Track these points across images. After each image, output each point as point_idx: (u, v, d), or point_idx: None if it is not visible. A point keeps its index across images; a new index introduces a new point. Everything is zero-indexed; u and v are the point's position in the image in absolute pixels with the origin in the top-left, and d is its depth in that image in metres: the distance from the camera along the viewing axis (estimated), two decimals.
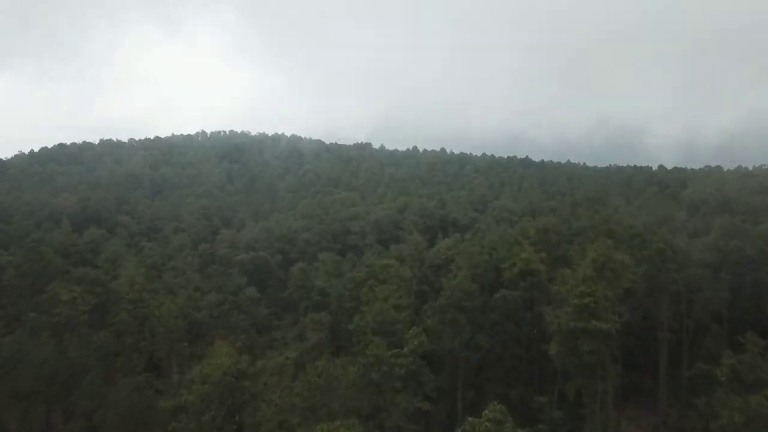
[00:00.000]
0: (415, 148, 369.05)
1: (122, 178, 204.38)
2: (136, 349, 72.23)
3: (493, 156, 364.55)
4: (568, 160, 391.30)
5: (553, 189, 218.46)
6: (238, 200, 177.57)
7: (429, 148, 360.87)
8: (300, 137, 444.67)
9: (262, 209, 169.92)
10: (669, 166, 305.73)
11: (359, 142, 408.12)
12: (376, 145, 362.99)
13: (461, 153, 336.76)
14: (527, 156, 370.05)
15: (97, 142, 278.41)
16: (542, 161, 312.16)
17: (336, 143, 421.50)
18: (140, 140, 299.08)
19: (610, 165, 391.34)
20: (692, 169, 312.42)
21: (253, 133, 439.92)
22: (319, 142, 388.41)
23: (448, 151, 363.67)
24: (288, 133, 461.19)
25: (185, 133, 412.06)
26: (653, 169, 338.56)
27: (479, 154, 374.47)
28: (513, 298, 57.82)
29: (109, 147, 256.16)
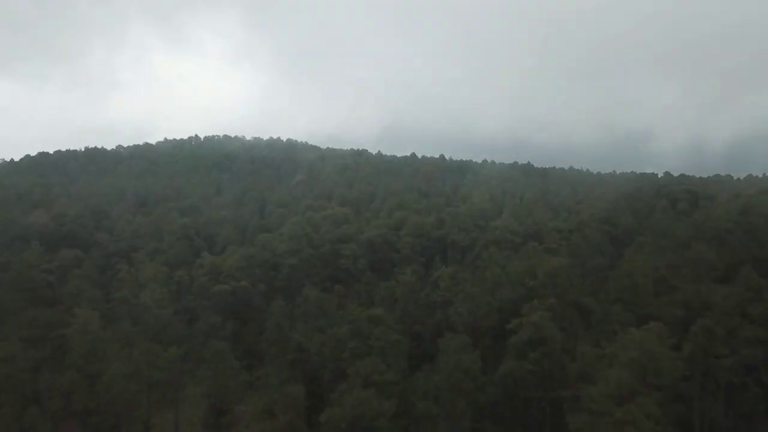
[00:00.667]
0: (413, 155, 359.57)
1: (105, 189, 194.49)
2: (86, 416, 62.69)
3: (494, 162, 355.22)
4: (571, 167, 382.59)
5: (556, 201, 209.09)
6: (225, 216, 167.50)
7: (429, 154, 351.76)
8: (296, 142, 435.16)
9: (250, 225, 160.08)
10: (675, 172, 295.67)
11: (356, 148, 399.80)
12: (375, 149, 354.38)
13: (461, 160, 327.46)
14: (529, 162, 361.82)
15: (85, 148, 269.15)
16: (545, 169, 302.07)
17: (332, 149, 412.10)
18: (129, 147, 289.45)
19: (614, 171, 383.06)
20: (700, 178, 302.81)
21: (248, 137, 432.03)
22: (315, 148, 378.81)
23: (447, 157, 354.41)
24: (285, 137, 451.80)
25: (178, 138, 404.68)
26: (659, 176, 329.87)
27: (480, 161, 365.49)
28: (522, 375, 47.89)
29: (94, 156, 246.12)
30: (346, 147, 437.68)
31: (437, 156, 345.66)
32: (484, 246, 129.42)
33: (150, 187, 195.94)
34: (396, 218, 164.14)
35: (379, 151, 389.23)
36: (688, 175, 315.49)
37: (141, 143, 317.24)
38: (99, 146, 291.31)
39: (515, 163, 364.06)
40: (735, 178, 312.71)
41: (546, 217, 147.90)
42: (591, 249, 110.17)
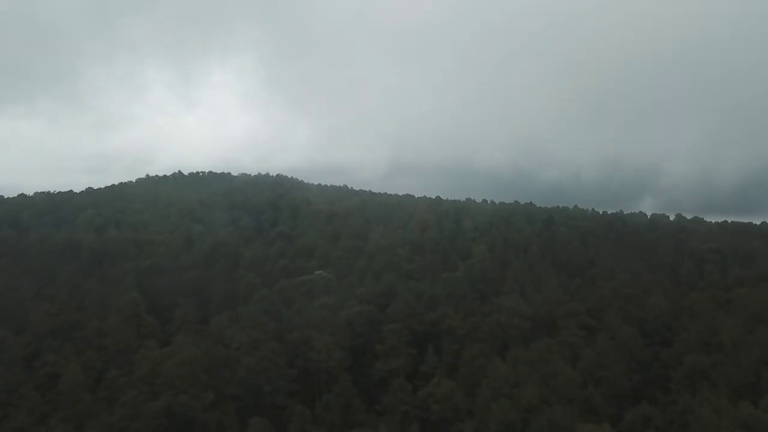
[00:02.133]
0: (408, 195, 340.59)
1: (58, 246, 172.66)
2: None
3: (493, 203, 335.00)
4: (576, 205, 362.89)
5: (564, 255, 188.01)
6: (187, 283, 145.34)
7: (432, 184, 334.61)
8: (285, 177, 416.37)
9: (214, 297, 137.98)
10: (684, 203, 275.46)
11: (349, 185, 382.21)
12: (376, 181, 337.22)
13: (459, 200, 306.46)
14: (531, 202, 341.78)
15: (50, 191, 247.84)
16: (548, 210, 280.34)
17: (324, 185, 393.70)
18: (99, 189, 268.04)
19: (621, 211, 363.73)
20: (716, 224, 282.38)
21: (235, 173, 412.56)
22: (305, 186, 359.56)
23: (448, 188, 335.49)
24: (280, 171, 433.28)
25: (161, 174, 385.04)
26: (671, 219, 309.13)
27: (484, 192, 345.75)
28: None
29: (51, 202, 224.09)
30: (342, 183, 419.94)
31: (433, 197, 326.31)
32: (487, 335, 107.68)
33: (107, 244, 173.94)
34: (385, 283, 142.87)
35: (370, 190, 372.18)
36: (702, 220, 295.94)
37: (116, 183, 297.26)
38: (65, 189, 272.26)
39: (516, 203, 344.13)
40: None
41: (556, 291, 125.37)
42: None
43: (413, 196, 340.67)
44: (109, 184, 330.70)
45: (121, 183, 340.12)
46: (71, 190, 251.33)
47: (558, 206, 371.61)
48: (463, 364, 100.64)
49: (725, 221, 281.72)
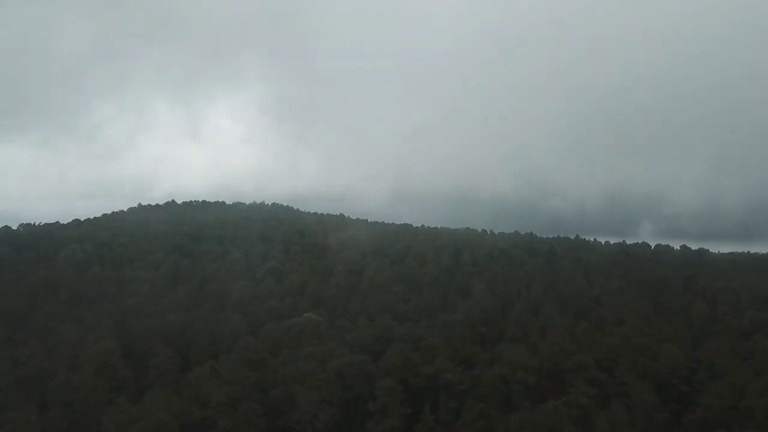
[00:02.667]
0: (407, 225, 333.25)
1: (36, 285, 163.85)
2: None
3: (493, 233, 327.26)
4: (577, 236, 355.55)
5: (568, 292, 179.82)
6: (169, 325, 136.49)
7: (430, 221, 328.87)
8: (281, 206, 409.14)
9: (197, 342, 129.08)
10: (690, 230, 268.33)
11: (346, 214, 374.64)
12: (379, 207, 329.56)
13: (458, 229, 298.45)
14: (532, 232, 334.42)
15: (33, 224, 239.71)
16: (550, 241, 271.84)
17: (318, 213, 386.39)
18: (88, 220, 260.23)
19: (624, 241, 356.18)
20: (722, 255, 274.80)
21: (230, 202, 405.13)
22: (297, 216, 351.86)
23: (446, 225, 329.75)
24: (282, 200, 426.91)
25: (153, 204, 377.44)
26: (675, 249, 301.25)
27: (485, 222, 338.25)
28: None
29: (34, 235, 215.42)
30: (344, 208, 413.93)
31: (434, 225, 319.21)
32: (488, 391, 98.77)
33: (89, 281, 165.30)
34: (379, 327, 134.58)
35: (367, 219, 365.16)
36: (707, 252, 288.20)
37: (100, 215, 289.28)
38: (67, 214, 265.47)
39: (516, 233, 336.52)
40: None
41: (563, 337, 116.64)
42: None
43: (411, 225, 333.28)
44: (109, 210, 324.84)
45: (113, 212, 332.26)
46: (57, 222, 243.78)
47: (559, 236, 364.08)
48: (462, 426, 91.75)
49: (732, 252, 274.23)
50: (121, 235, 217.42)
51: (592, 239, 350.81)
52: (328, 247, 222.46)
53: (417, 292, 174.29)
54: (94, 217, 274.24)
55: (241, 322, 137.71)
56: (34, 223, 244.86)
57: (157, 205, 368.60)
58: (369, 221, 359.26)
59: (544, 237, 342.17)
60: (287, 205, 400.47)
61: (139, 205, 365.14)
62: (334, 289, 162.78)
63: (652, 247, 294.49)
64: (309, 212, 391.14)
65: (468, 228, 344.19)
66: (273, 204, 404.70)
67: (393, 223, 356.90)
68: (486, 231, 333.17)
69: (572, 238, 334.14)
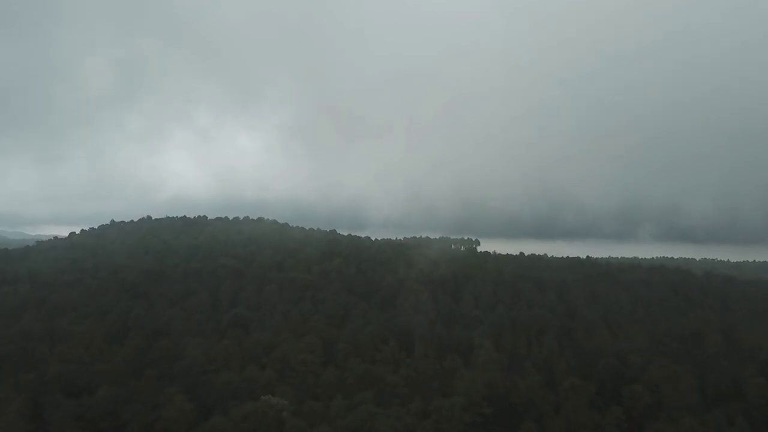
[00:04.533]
0: (404, 245, 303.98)
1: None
2: None
3: (498, 256, 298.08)
4: (588, 256, 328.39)
5: (588, 346, 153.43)
6: (97, 407, 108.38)
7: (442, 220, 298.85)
8: (267, 220, 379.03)
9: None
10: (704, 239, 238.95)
11: (347, 232, 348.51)
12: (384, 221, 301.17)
13: (459, 261, 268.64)
14: (546, 254, 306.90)
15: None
16: (562, 278, 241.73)
17: (307, 229, 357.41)
18: (47, 241, 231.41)
19: (636, 257, 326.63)
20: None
21: (211, 216, 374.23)
22: (283, 235, 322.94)
23: (456, 236, 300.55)
24: (272, 210, 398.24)
25: (128, 220, 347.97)
26: (698, 275, 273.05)
27: (491, 251, 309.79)
28: None
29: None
30: (350, 221, 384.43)
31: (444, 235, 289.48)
32: None
33: (14, 338, 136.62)
34: (357, 416, 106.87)
35: (366, 236, 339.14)
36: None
37: (66, 234, 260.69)
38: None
39: (521, 254, 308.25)
40: None
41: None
42: None
43: (408, 246, 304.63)
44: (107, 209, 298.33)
45: (82, 230, 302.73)
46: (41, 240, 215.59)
47: (568, 256, 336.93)
48: None
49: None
50: (70, 271, 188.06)
51: (606, 256, 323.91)
52: (309, 285, 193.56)
53: (409, 350, 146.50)
54: (55, 238, 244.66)
55: (184, 405, 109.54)
56: None
57: (132, 221, 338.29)
58: (361, 237, 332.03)
59: (554, 257, 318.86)
60: (273, 219, 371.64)
61: (112, 221, 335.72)
62: (306, 353, 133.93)
63: (671, 269, 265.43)
64: (301, 227, 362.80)
65: (470, 248, 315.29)
66: (258, 218, 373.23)
67: (390, 239, 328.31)
68: (489, 252, 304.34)
69: (583, 258, 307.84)
